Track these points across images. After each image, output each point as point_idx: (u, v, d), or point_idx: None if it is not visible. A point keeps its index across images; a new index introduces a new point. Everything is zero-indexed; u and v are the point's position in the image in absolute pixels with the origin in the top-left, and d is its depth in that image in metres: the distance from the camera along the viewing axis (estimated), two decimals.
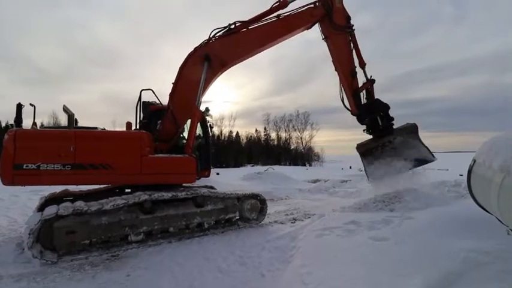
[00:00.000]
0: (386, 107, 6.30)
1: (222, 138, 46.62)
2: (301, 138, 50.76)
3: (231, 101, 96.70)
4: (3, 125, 35.70)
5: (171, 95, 6.04)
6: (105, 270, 3.92)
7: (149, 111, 6.43)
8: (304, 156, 49.29)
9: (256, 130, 54.06)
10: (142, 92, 6.19)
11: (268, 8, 6.10)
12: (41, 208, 5.33)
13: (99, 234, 4.67)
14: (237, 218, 6.15)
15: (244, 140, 52.51)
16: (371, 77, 6.27)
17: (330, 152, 65.24)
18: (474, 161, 3.70)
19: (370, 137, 6.87)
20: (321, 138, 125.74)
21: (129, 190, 5.62)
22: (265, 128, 53.24)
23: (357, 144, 6.98)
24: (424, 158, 6.12)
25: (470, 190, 3.81)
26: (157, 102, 6.56)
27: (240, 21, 5.93)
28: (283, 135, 52.08)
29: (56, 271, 3.86)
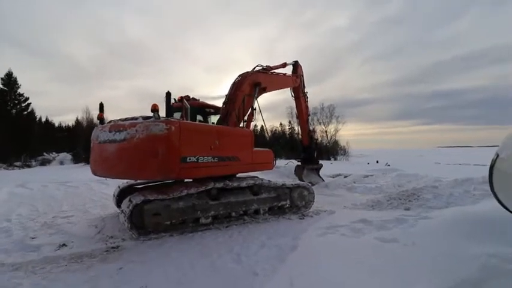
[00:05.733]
0: (318, 144, 11.17)
1: None
2: (326, 131, 49.12)
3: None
4: (44, 119, 38.30)
5: (229, 103, 6.90)
6: (100, 262, 3.94)
7: (190, 106, 6.59)
8: (329, 150, 47.70)
9: (280, 124, 53.47)
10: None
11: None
12: (119, 196, 6.40)
13: (177, 217, 5.15)
14: (288, 205, 6.62)
15: (269, 134, 52.08)
16: (313, 125, 11.34)
17: (356, 146, 62.90)
18: (497, 155, 3.21)
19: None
20: (347, 132, 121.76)
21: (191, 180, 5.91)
22: (289, 122, 52.45)
23: (296, 166, 12.03)
24: (315, 181, 10.92)
25: (493, 188, 3.33)
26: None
27: (269, 66, 8.68)
28: None
29: (54, 261, 3.94)
